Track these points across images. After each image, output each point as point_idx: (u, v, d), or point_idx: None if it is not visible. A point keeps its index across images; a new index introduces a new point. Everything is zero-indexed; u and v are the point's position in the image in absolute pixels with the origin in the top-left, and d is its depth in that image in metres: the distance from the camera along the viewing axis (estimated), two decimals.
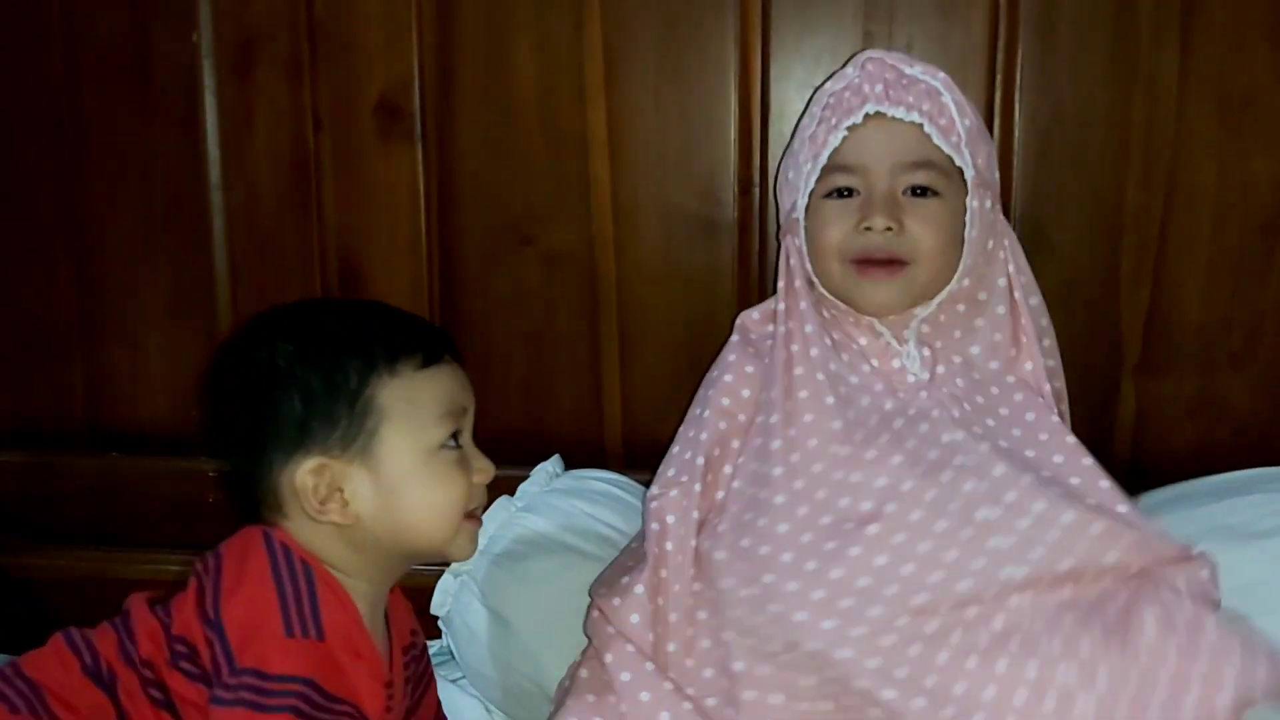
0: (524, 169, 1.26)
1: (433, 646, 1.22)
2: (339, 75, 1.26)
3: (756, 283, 1.26)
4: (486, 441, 1.30)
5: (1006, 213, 1.24)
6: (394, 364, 0.86)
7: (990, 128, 1.22)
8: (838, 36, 1.22)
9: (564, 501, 1.15)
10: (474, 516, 0.91)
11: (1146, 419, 1.26)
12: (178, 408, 1.34)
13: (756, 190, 1.25)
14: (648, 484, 1.20)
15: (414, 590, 1.21)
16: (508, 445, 1.30)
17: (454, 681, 1.15)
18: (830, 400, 1.03)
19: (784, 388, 1.05)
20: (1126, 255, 1.24)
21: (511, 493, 1.19)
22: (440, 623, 1.16)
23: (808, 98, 1.21)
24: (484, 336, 1.30)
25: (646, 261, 1.27)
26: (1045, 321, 1.10)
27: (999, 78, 1.22)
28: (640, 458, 1.29)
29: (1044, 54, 1.21)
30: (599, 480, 1.19)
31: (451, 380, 0.90)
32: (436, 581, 1.17)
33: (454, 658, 1.16)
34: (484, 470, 0.91)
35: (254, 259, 1.30)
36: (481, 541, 1.12)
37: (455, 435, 0.90)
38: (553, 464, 1.22)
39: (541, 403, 1.31)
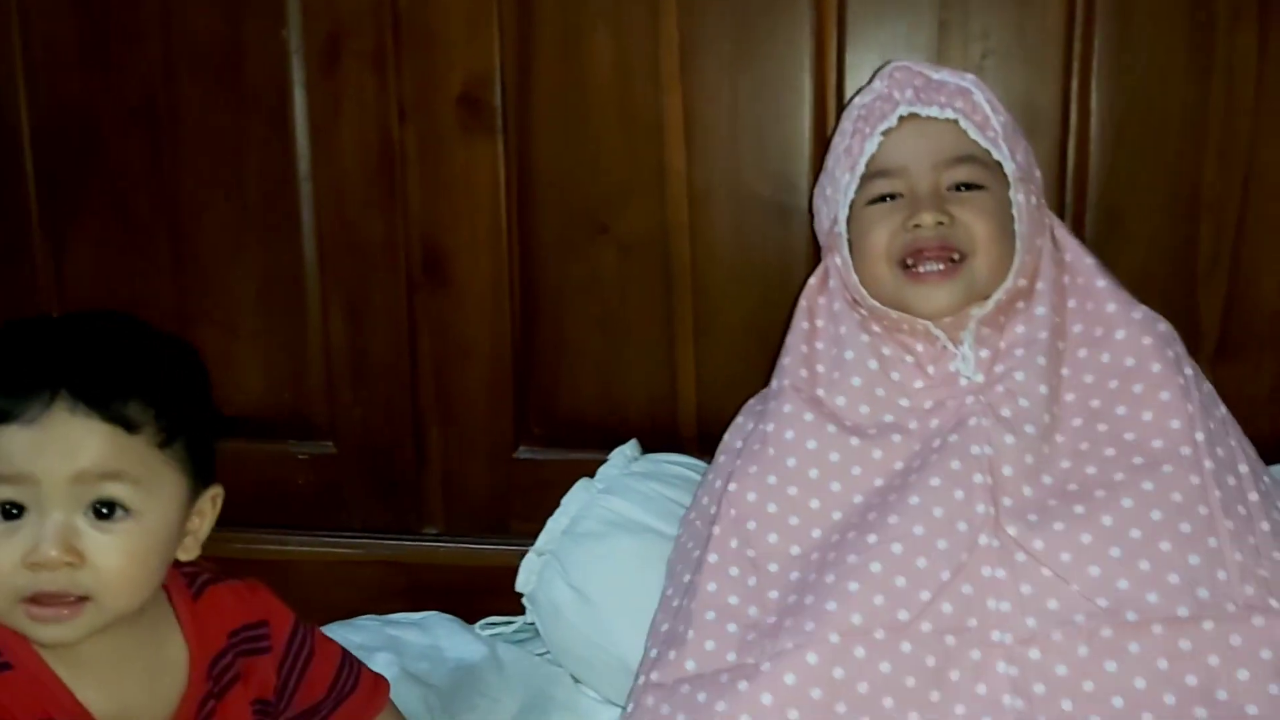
0: (600, 158, 1.29)
1: (516, 622, 1.26)
2: (423, 68, 1.29)
3: None
4: (563, 422, 1.35)
5: (1082, 199, 1.25)
6: None
7: (1066, 114, 1.23)
8: (913, 25, 1.24)
9: (642, 484, 1.18)
10: (39, 601, 0.75)
11: (1224, 404, 1.26)
12: (270, 392, 1.39)
13: None
14: None
15: (498, 570, 1.27)
16: (583, 429, 1.35)
17: (541, 656, 1.19)
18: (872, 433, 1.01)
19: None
20: (1204, 240, 1.24)
21: (591, 475, 1.23)
22: (525, 600, 1.20)
23: None
24: (560, 322, 1.34)
25: (720, 247, 1.29)
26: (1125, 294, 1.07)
27: (1075, 64, 1.22)
28: (713, 442, 1.30)
29: (1120, 40, 1.21)
30: (675, 464, 1.22)
31: (12, 443, 0.75)
32: (520, 560, 1.21)
33: (538, 634, 1.20)
34: (35, 553, 0.74)
35: (341, 247, 1.34)
36: (564, 522, 1.17)
37: (11, 506, 0.75)
38: (630, 448, 1.25)
39: (616, 387, 1.34)
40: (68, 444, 0.74)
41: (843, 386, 1.03)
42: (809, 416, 1.02)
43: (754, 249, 1.28)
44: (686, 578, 1.02)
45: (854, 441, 1.01)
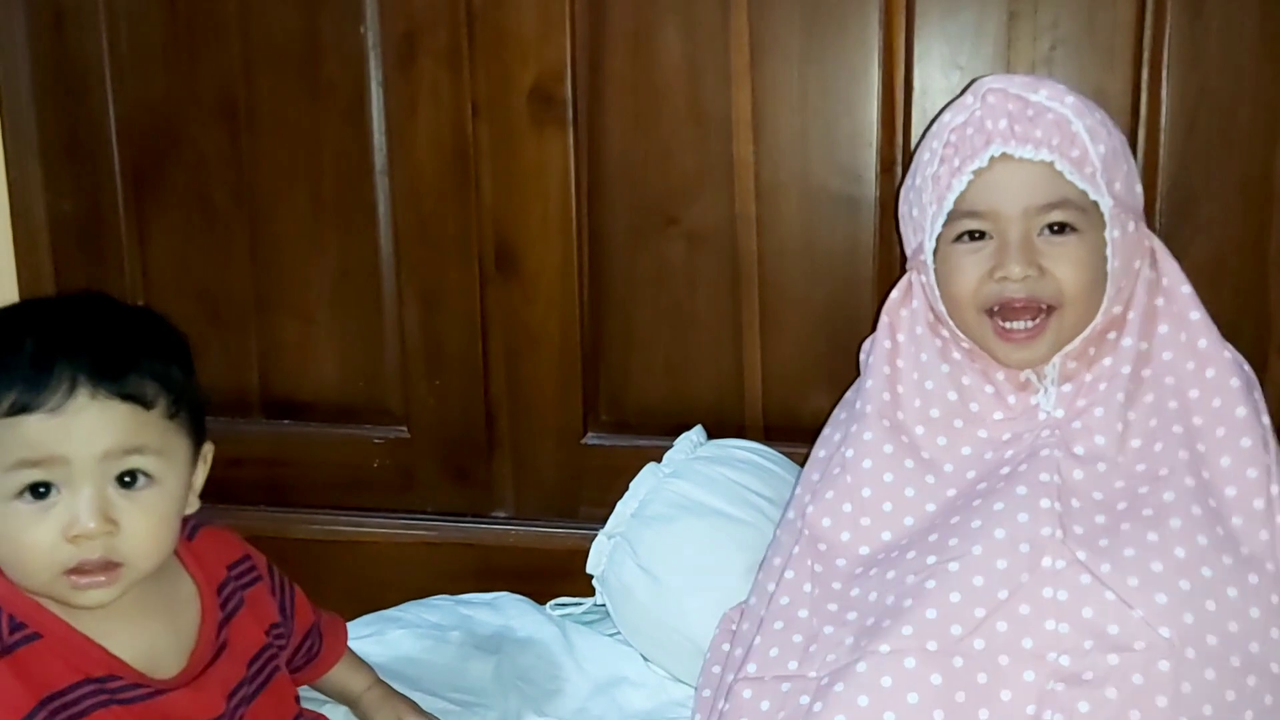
0: (669, 151, 1.31)
1: (585, 604, 1.29)
2: (496, 65, 1.31)
3: (898, 260, 1.27)
4: (631, 413, 1.37)
5: (1153, 189, 1.24)
6: (11, 410, 0.80)
7: (1137, 105, 1.23)
8: (982, 16, 1.24)
9: (709, 468, 1.20)
10: (82, 571, 0.81)
11: None
12: (345, 378, 1.42)
13: (899, 169, 1.27)
14: (787, 454, 1.25)
15: (567, 553, 1.30)
16: (650, 417, 1.38)
17: (611, 636, 1.22)
18: (949, 468, 1.01)
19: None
20: (1275, 230, 1.23)
21: (658, 461, 1.25)
22: (595, 581, 1.23)
23: (950, 77, 1.24)
24: (629, 313, 1.36)
25: (788, 240, 1.31)
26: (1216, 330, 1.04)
27: (1146, 55, 1.22)
28: (777, 432, 1.33)
29: (1192, 30, 1.20)
30: (740, 449, 1.24)
31: (41, 432, 0.80)
32: (587, 544, 1.24)
33: (607, 615, 1.23)
34: (75, 526, 0.80)
35: (416, 239, 1.37)
36: (633, 506, 1.19)
37: (42, 486, 0.80)
38: (696, 433, 1.27)
39: (684, 377, 1.36)
40: (93, 427, 0.81)
41: (922, 416, 1.03)
42: (889, 449, 1.03)
43: (821, 241, 1.29)
44: (770, 586, 1.04)
45: (929, 479, 1.01)
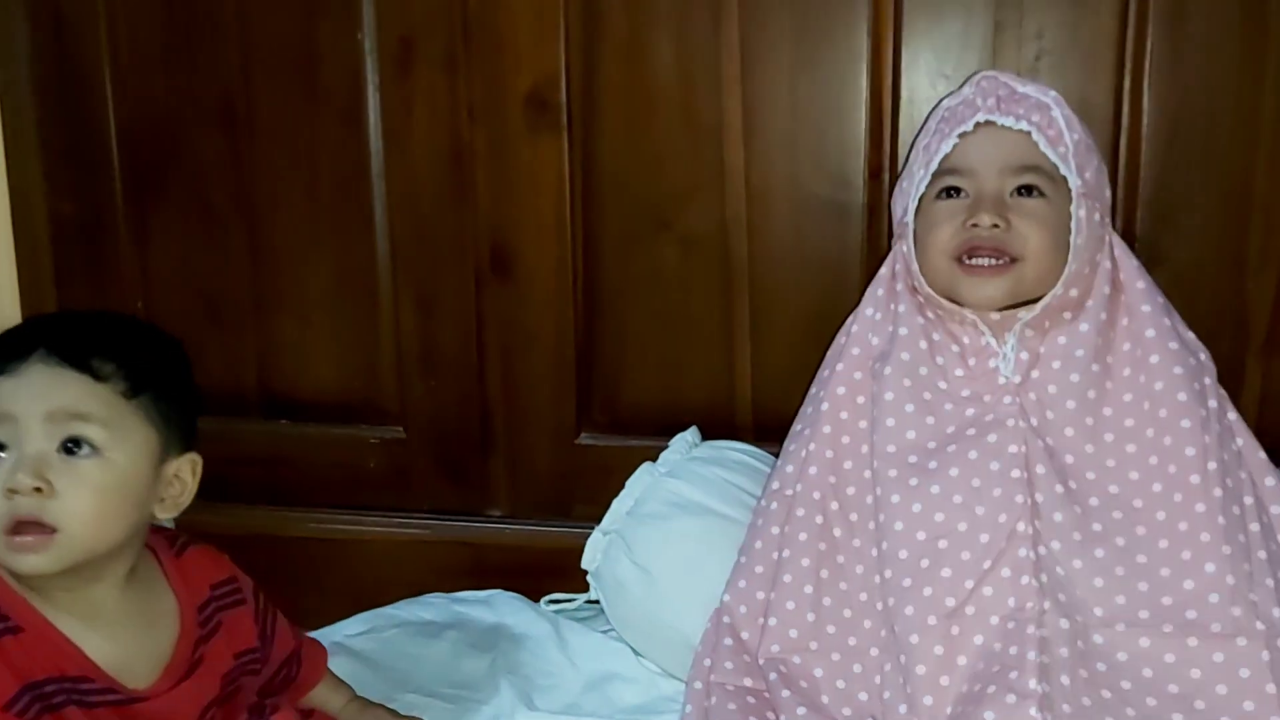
0: (662, 157, 1.33)
1: (578, 600, 1.31)
2: (491, 71, 1.33)
3: None
4: (624, 410, 1.39)
5: (1134, 196, 1.27)
6: None
7: (1119, 112, 1.26)
8: (968, 25, 1.26)
9: (704, 469, 1.23)
10: (17, 530, 0.84)
11: (1271, 400, 1.28)
12: (342, 379, 1.44)
13: (886, 175, 1.29)
14: (777, 455, 1.27)
15: (560, 551, 1.32)
16: (643, 418, 1.40)
17: (603, 633, 1.24)
18: (909, 408, 1.08)
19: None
20: (1253, 237, 1.26)
21: (650, 461, 1.27)
22: (589, 576, 1.25)
23: (937, 86, 1.26)
24: (622, 315, 1.38)
25: (778, 244, 1.33)
26: (1168, 322, 1.10)
27: (1128, 64, 1.24)
28: (769, 432, 1.34)
29: (1174, 41, 1.23)
30: (735, 450, 1.27)
31: None
32: (580, 542, 1.26)
33: (600, 611, 1.25)
34: (10, 480, 0.83)
35: (412, 241, 1.39)
36: (628, 504, 1.22)
37: None
38: (691, 434, 1.30)
39: (676, 378, 1.38)
40: (42, 387, 0.86)
41: (892, 359, 1.10)
42: (860, 399, 1.12)
43: (811, 246, 1.32)
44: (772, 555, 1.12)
45: (890, 422, 1.08)
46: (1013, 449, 1.04)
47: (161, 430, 0.89)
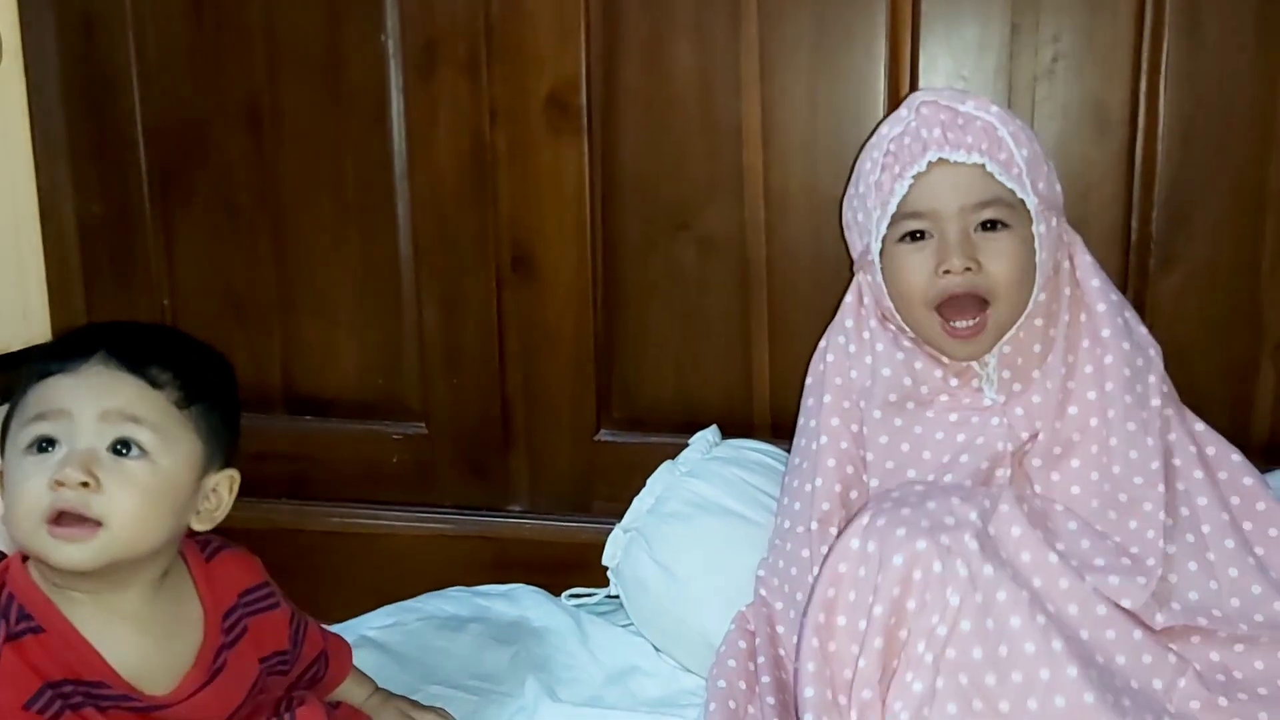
0: (681, 159, 1.35)
1: (599, 595, 1.33)
2: (513, 74, 1.35)
3: None
4: (643, 408, 1.41)
5: (1149, 198, 1.28)
6: (40, 375, 0.89)
7: (1135, 115, 1.27)
8: (985, 29, 1.27)
9: (724, 469, 1.24)
10: (60, 522, 0.85)
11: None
12: (365, 376, 1.46)
13: None
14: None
15: (580, 546, 1.34)
16: (662, 416, 1.41)
17: (624, 627, 1.26)
18: (905, 448, 1.11)
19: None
20: (1269, 238, 1.27)
21: (668, 458, 1.29)
22: (610, 573, 1.27)
23: (955, 87, 1.26)
24: (641, 315, 1.39)
25: (796, 246, 1.34)
26: (1121, 320, 1.13)
27: (1144, 67, 1.26)
28: (785, 431, 1.35)
29: (1189, 44, 1.24)
30: (754, 450, 1.28)
31: (55, 388, 0.88)
32: (600, 539, 1.28)
33: (620, 606, 1.27)
34: (59, 471, 0.85)
35: (435, 242, 1.41)
36: (649, 502, 1.24)
37: (46, 441, 0.87)
38: (711, 434, 1.31)
39: (694, 377, 1.40)
40: (99, 388, 0.88)
41: (877, 399, 1.13)
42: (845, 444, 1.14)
43: (828, 247, 1.32)
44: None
45: (889, 465, 1.11)
46: (1000, 472, 1.07)
47: (208, 442, 0.91)
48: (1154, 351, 1.12)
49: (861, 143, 1.29)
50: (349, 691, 1.10)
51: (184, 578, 0.94)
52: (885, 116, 1.28)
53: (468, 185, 1.38)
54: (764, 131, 1.32)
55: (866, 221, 1.14)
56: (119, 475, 0.86)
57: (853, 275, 1.20)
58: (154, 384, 0.89)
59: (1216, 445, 1.12)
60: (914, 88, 1.29)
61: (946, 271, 1.09)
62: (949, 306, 1.09)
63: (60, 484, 0.85)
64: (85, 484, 0.85)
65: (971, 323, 1.09)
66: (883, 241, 1.12)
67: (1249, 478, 1.10)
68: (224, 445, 0.94)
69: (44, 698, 0.84)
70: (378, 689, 1.12)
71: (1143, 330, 1.13)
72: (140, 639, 0.90)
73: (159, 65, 1.43)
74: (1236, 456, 1.11)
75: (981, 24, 1.27)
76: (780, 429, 1.37)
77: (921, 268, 1.10)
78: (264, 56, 1.41)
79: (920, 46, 1.28)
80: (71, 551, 0.85)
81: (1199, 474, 1.08)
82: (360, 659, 1.14)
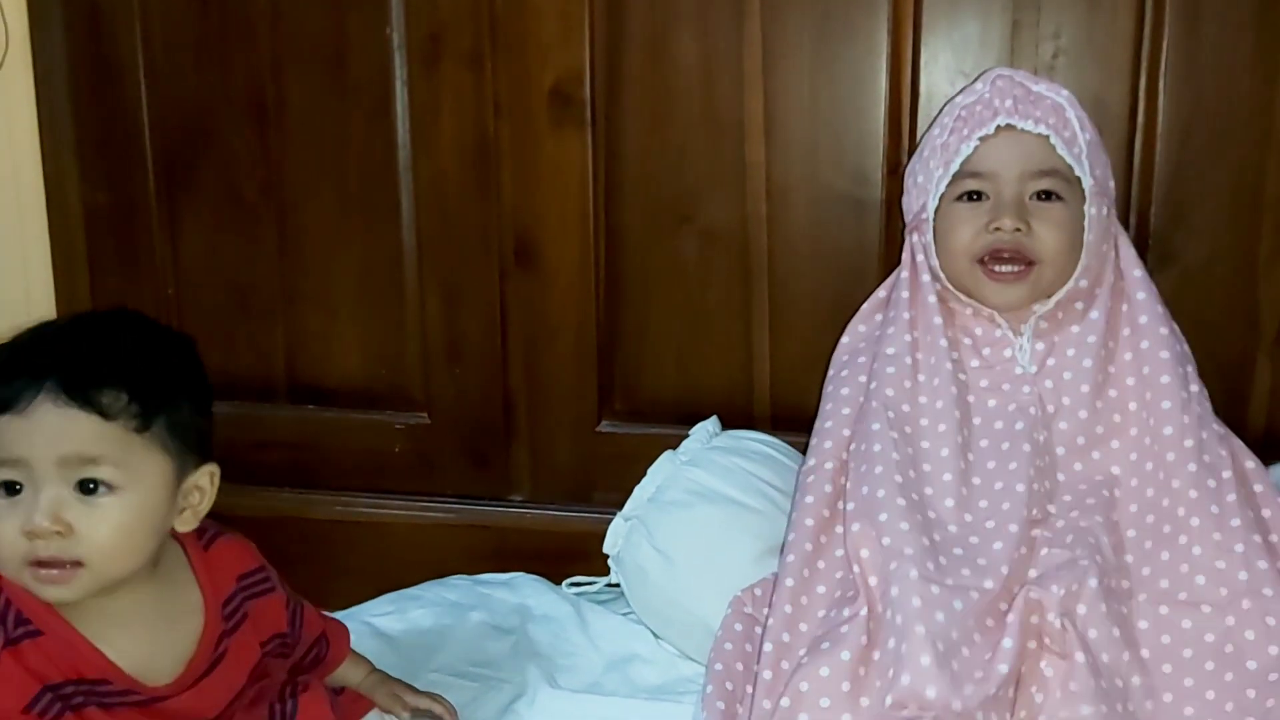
0: (684, 152, 1.35)
1: (599, 583, 1.35)
2: (517, 67, 1.36)
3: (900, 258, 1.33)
4: (644, 400, 1.42)
5: (1148, 195, 1.29)
6: None
7: (1134, 112, 1.28)
8: (986, 25, 1.28)
9: (724, 458, 1.25)
10: (42, 564, 0.84)
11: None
12: (368, 367, 1.47)
13: (904, 172, 1.31)
14: (796, 446, 1.30)
15: (581, 535, 1.35)
16: (663, 407, 1.42)
17: (624, 615, 1.27)
18: (949, 395, 1.11)
19: (909, 374, 1.13)
20: (1265, 235, 1.28)
21: (670, 448, 1.30)
22: (610, 561, 1.28)
23: (955, 83, 1.28)
24: (643, 307, 1.40)
25: (797, 239, 1.35)
26: (1161, 309, 1.15)
27: (1144, 64, 1.26)
28: (786, 423, 1.38)
29: (1189, 43, 1.25)
30: (754, 440, 1.29)
31: (7, 431, 0.84)
32: (601, 528, 1.29)
33: (620, 594, 1.28)
34: (28, 524, 0.83)
35: (438, 234, 1.41)
36: (650, 491, 1.25)
37: (11, 485, 0.84)
38: (712, 424, 1.32)
39: (695, 369, 1.41)
40: (53, 432, 0.84)
41: (923, 364, 1.14)
42: (895, 434, 1.12)
43: (829, 241, 1.34)
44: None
45: (924, 422, 1.11)
46: (1026, 447, 1.08)
47: (176, 455, 0.89)
48: (1183, 347, 1.14)
49: (861, 140, 1.31)
50: (345, 672, 1.11)
51: (183, 566, 0.94)
52: (885, 113, 1.31)
53: (471, 177, 1.39)
54: (766, 125, 1.33)
55: (927, 182, 1.17)
56: (90, 515, 0.84)
57: (891, 254, 1.22)
58: (107, 415, 0.84)
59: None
60: (915, 83, 1.30)
61: (997, 229, 1.11)
62: (994, 259, 1.12)
63: (33, 534, 0.83)
64: (58, 531, 0.83)
65: (1015, 269, 1.11)
66: (940, 201, 1.14)
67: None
68: (195, 443, 0.91)
69: (43, 701, 0.84)
70: (373, 669, 1.13)
71: (1174, 326, 1.15)
72: (141, 631, 0.89)
73: (165, 56, 1.44)
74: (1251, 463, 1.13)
75: (982, 19, 1.28)
76: (780, 420, 1.38)
77: (974, 222, 1.13)
78: (269, 48, 1.41)
79: (922, 42, 1.29)
80: (56, 591, 0.85)
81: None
82: (362, 646, 1.15)
